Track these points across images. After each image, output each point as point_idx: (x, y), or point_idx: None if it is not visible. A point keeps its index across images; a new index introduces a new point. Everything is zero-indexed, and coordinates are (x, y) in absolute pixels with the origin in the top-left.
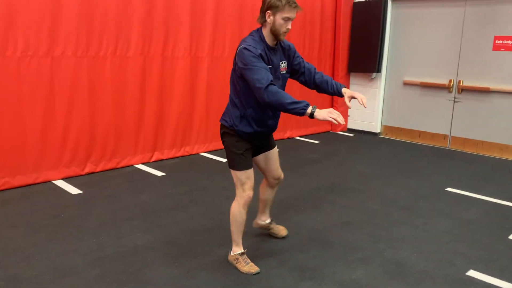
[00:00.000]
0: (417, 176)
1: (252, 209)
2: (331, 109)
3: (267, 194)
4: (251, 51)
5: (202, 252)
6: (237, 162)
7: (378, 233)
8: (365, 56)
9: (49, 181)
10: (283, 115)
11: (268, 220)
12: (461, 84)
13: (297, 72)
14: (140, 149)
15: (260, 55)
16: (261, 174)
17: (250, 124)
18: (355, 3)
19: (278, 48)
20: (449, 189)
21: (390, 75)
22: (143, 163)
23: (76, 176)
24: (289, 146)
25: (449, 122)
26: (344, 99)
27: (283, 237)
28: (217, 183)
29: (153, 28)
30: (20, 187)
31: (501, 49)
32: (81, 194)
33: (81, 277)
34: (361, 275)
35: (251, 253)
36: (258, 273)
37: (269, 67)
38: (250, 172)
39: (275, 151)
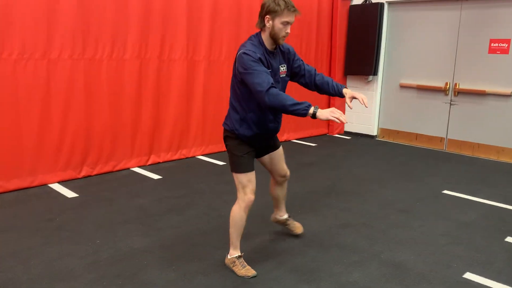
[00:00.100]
0: (414, 179)
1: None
2: (333, 109)
3: (276, 191)
4: (251, 56)
5: (199, 256)
6: (238, 164)
7: (375, 235)
8: (361, 59)
9: (45, 185)
10: None
11: (286, 216)
12: (457, 86)
13: (298, 74)
14: (137, 152)
15: (260, 59)
16: (267, 177)
17: (251, 127)
18: (352, 6)
19: (277, 52)
20: (446, 191)
21: (386, 78)
22: (139, 166)
23: (72, 180)
24: (286, 149)
25: (446, 125)
26: (345, 100)
27: (297, 235)
28: (213, 186)
29: (149, 31)
30: (16, 190)
31: (497, 52)
32: (77, 197)
33: (77, 281)
34: (358, 278)
35: (248, 256)
36: (255, 276)
37: (269, 71)
38: (252, 175)
39: (280, 151)
